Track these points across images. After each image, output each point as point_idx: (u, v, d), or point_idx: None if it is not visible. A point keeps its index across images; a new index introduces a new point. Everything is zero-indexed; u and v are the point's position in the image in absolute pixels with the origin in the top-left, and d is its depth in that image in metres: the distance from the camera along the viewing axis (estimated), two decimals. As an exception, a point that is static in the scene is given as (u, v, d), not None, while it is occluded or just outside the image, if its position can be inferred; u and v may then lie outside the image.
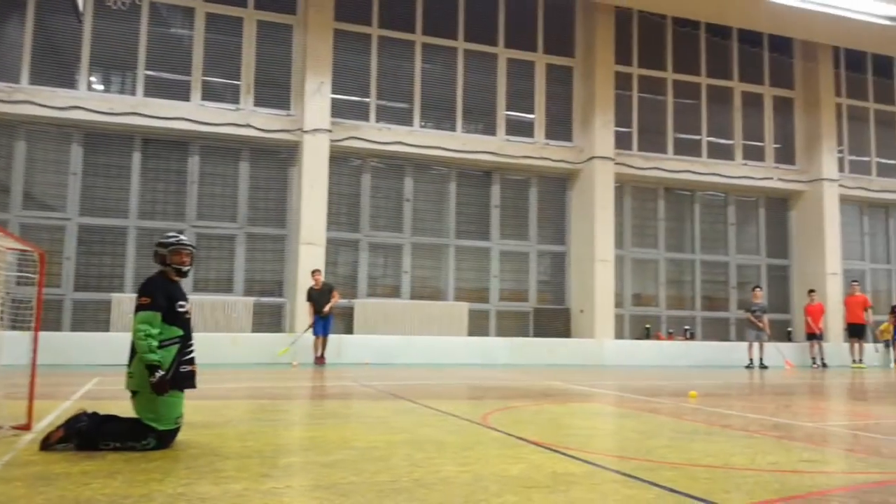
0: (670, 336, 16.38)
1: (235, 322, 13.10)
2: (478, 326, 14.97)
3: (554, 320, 15.52)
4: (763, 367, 14.86)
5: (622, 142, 16.12)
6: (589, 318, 15.07)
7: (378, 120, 14.68)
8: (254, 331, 13.26)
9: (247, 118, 13.61)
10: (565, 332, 15.53)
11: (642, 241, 16.76)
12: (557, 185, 16.25)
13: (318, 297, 12.59)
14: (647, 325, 16.33)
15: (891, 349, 16.61)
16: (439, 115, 15.25)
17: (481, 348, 14.13)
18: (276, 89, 14.03)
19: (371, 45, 14.76)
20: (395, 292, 14.76)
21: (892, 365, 16.34)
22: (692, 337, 16.48)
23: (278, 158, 14.24)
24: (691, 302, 17.08)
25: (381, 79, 14.79)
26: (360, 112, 14.61)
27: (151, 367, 4.40)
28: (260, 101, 13.92)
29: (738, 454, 4.78)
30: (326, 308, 12.52)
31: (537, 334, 15.28)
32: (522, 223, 15.88)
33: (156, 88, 13.33)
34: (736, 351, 15.62)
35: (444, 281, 15.16)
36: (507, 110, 15.68)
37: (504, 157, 15.28)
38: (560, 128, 16.02)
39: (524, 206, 15.94)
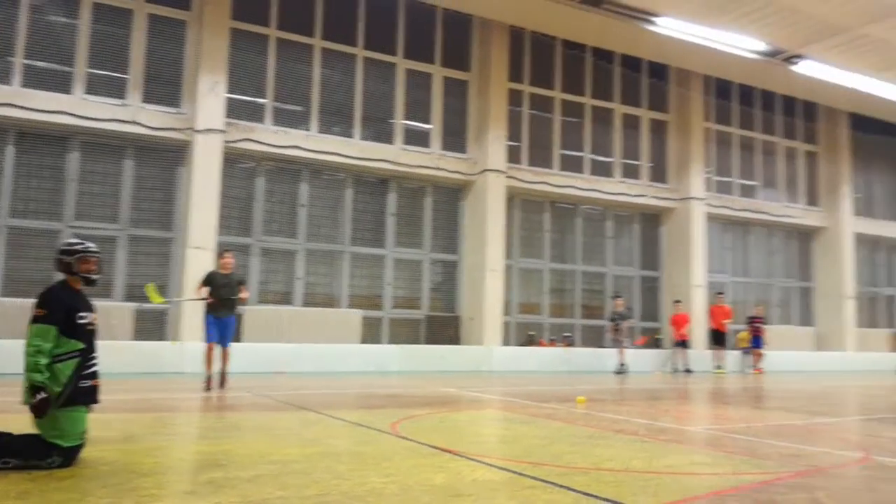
0: (552, 343, 17.12)
1: (115, 329, 12.40)
2: (370, 334, 15.02)
3: (445, 327, 15.83)
4: (619, 371, 15.48)
5: (513, 156, 16.71)
6: (478, 326, 15.50)
7: (274, 123, 14.41)
8: (135, 338, 12.62)
9: (134, 114, 12.96)
10: (455, 339, 15.88)
11: (529, 251, 17.44)
12: (452, 195, 16.60)
13: (223, 284, 9.38)
14: (532, 332, 17.00)
15: (747, 357, 18.20)
16: (337, 121, 15.18)
17: (374, 356, 14.18)
18: (166, 86, 13.45)
19: (269, 47, 14.48)
20: (286, 299, 14.52)
21: (748, 370, 17.90)
22: (572, 344, 17.32)
23: (166, 158, 13.64)
24: (571, 310, 17.93)
25: (278, 81, 14.54)
26: (255, 114, 14.28)
27: (34, 388, 4.19)
28: (149, 98, 13.29)
29: (636, 458, 5.17)
30: (243, 294, 9.59)
31: (429, 341, 15.53)
32: (417, 232, 16.10)
33: (34, 79, 12.41)
34: (611, 357, 16.58)
35: (337, 288, 15.09)
36: (405, 120, 15.85)
37: (401, 165, 15.44)
38: (455, 139, 16.39)
39: (419, 214, 16.17)
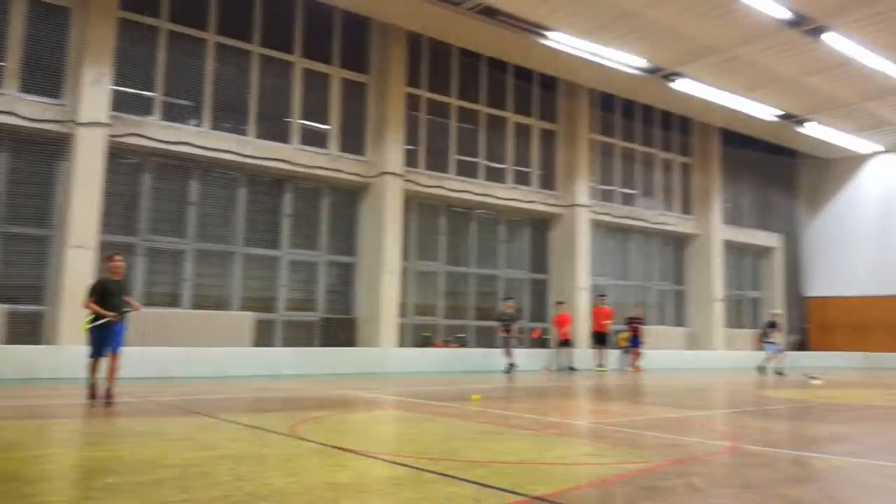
0: (447, 343, 17.45)
1: (-16, 332, 11.55)
2: (264, 337, 14.75)
3: (341, 330, 15.79)
4: (508, 371, 15.96)
5: (411, 160, 16.91)
6: (374, 328, 15.56)
7: (164, 118, 13.87)
8: (8, 342, 11.79)
9: (10, 105, 12.10)
10: (351, 341, 15.87)
11: (425, 254, 17.69)
12: (349, 197, 16.58)
13: (115, 291, 8.44)
14: (427, 334, 17.26)
15: (626, 355, 19.27)
16: (231, 119, 14.79)
17: (267, 359, 13.92)
18: (47, 76, 12.62)
19: (159, 39, 13.91)
20: (174, 301, 14.01)
21: (628, 368, 18.96)
22: (465, 344, 17.72)
23: (45, 151, 12.81)
24: (465, 312, 18.34)
25: (168, 75, 14.00)
26: (143, 108, 13.68)
27: None
28: (27, 88, 12.42)
29: (529, 451, 5.47)
30: (135, 304, 8.69)
31: (324, 344, 15.43)
32: (313, 233, 15.95)
33: None
34: (503, 357, 17.09)
35: (228, 290, 14.71)
36: (302, 120, 15.68)
37: (297, 165, 15.26)
38: (353, 141, 16.38)
39: (315, 216, 16.03)
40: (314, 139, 15.79)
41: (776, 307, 25.54)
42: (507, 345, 16.34)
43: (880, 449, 6.05)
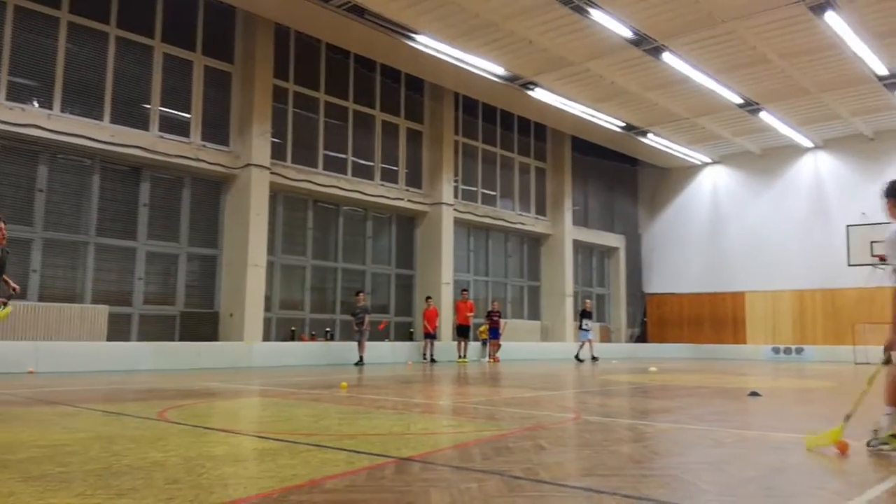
0: (313, 337, 17.53)
1: None
2: (118, 331, 14.16)
3: (202, 324, 15.45)
4: (360, 363, 16.17)
5: (277, 152, 16.81)
6: (239, 322, 15.38)
7: (8, 98, 12.97)
8: None
9: None
10: (213, 335, 15.57)
11: (292, 248, 17.66)
12: (212, 188, 16.23)
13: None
14: (293, 328, 17.25)
15: (486, 346, 20.24)
16: (85, 102, 14.06)
17: (122, 354, 13.38)
18: None
19: (5, 15, 12.98)
20: (21, 293, 13.10)
21: (486, 359, 19.93)
22: (332, 338, 17.89)
23: None
24: (332, 306, 18.50)
25: (15, 53, 13.08)
26: (-15, 86, 12.75)
27: None
28: None
29: (396, 425, 5.90)
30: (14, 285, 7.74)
31: (184, 338, 15.03)
32: (173, 224, 15.48)
33: None
34: (370, 349, 17.44)
35: (81, 282, 14.00)
36: (162, 107, 15.18)
37: (156, 154, 14.76)
38: (217, 131, 16.06)
39: (176, 206, 15.57)
40: (176, 127, 15.34)
41: (619, 302, 27.75)
42: (360, 337, 16.41)
43: (698, 418, 7.02)
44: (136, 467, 3.93)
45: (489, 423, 6.10)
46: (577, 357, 20.25)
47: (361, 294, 17.11)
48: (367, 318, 16.55)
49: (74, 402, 7.28)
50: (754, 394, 9.29)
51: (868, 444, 4.82)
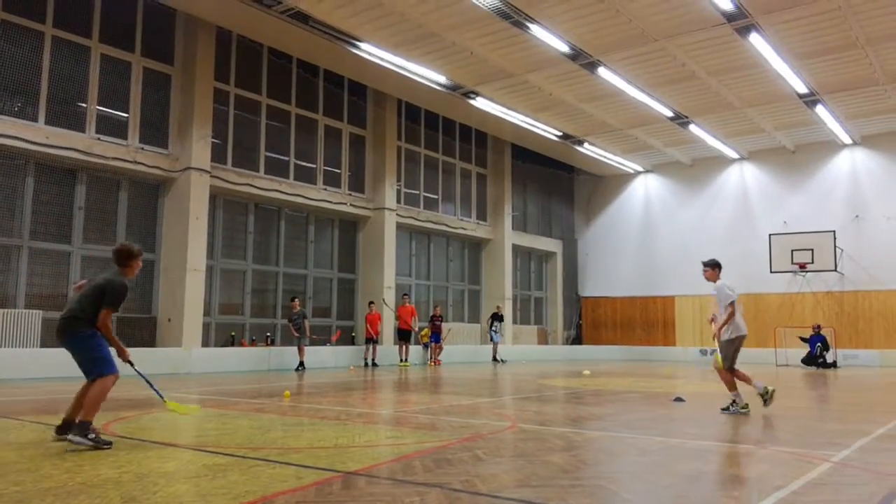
0: (253, 343, 17.49)
1: None
2: (53, 337, 13.80)
3: (139, 329, 15.25)
4: (300, 368, 16.22)
5: (217, 155, 16.69)
6: (177, 327, 15.24)
7: (-64, 97, 12.57)
8: None
9: None
10: (151, 341, 15.39)
11: (232, 252, 17.57)
12: (150, 191, 16.02)
13: None
14: (233, 333, 17.17)
15: (428, 350, 20.56)
16: (18, 103, 13.71)
17: (58, 360, 13.05)
18: None
19: (-68, 10, 12.58)
20: (-55, 298, 12.74)
21: (428, 363, 20.25)
22: (273, 343, 17.88)
23: None
24: (273, 310, 18.48)
25: (-57, 51, 12.70)
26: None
27: None
28: None
29: (341, 437, 6.14)
30: None
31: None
32: (109, 228, 15.22)
33: None
34: (312, 353, 17.52)
35: (13, 286, 13.65)
36: (100, 107, 14.91)
37: (93, 156, 14.48)
38: (155, 133, 15.85)
39: (112, 209, 15.31)
40: (113, 129, 15.09)
41: (556, 305, 28.51)
42: (299, 342, 16.31)
43: (625, 425, 7.49)
44: (91, 485, 4.08)
45: (429, 434, 6.41)
46: (499, 360, 22.03)
47: (296, 300, 16.90)
48: (306, 322, 16.45)
49: (14, 415, 7.24)
50: (679, 399, 9.88)
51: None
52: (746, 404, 8.32)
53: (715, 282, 8.61)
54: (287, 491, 4.01)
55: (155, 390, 6.77)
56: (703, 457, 5.49)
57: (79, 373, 5.85)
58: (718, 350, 8.53)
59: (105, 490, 3.96)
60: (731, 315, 8.32)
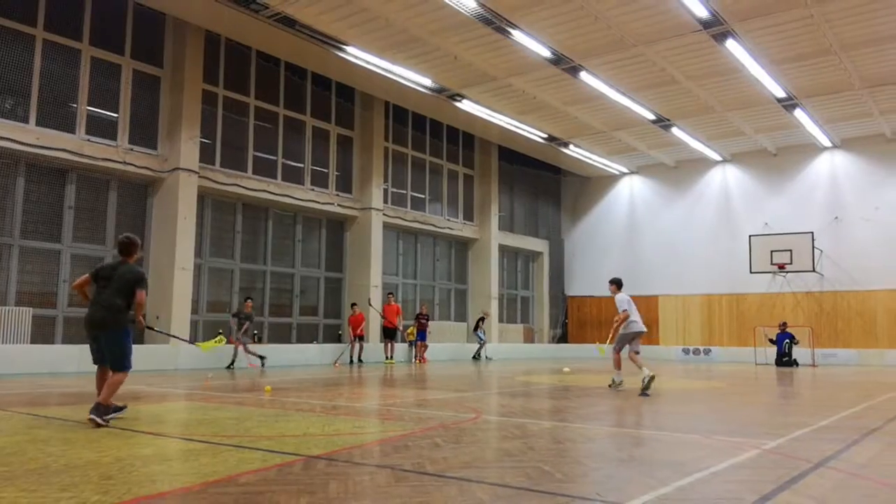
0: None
1: None
2: (42, 333, 14.23)
3: (128, 326, 15.57)
4: (230, 366, 15.96)
5: (206, 156, 17.05)
6: (165, 325, 15.59)
7: (-71, 100, 12.91)
8: None
9: None
10: (139, 338, 15.73)
11: (220, 251, 17.94)
12: (139, 191, 16.38)
13: None
14: (220, 331, 17.48)
15: (413, 348, 20.97)
16: (10, 104, 14.05)
17: (47, 357, 13.50)
18: None
19: (-74, 15, 12.92)
20: (-62, 295, 13.09)
21: (414, 360, 20.66)
22: (260, 340, 18.24)
23: None
24: (261, 309, 18.84)
25: (-63, 54, 13.04)
26: None
27: None
28: None
29: (312, 427, 6.54)
30: None
31: (109, 340, 15.13)
32: (99, 227, 15.58)
33: None
34: (298, 351, 17.90)
35: (4, 284, 14.00)
36: (90, 109, 15.26)
37: (83, 157, 14.84)
38: (145, 134, 16.21)
39: (102, 209, 15.67)
40: (102, 130, 15.44)
41: (542, 304, 28.93)
42: (242, 342, 16.03)
43: (582, 417, 7.91)
44: (72, 466, 4.48)
45: (396, 424, 6.82)
46: (486, 357, 22.87)
47: (249, 301, 16.55)
48: (248, 324, 16.00)
49: (6, 406, 7.61)
50: (644, 394, 10.32)
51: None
52: (622, 381, 11.57)
53: (615, 295, 11.57)
54: (251, 471, 4.41)
55: (180, 339, 9.68)
56: (646, 444, 5.92)
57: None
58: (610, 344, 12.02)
59: (85, 470, 4.35)
60: (623, 320, 11.13)
